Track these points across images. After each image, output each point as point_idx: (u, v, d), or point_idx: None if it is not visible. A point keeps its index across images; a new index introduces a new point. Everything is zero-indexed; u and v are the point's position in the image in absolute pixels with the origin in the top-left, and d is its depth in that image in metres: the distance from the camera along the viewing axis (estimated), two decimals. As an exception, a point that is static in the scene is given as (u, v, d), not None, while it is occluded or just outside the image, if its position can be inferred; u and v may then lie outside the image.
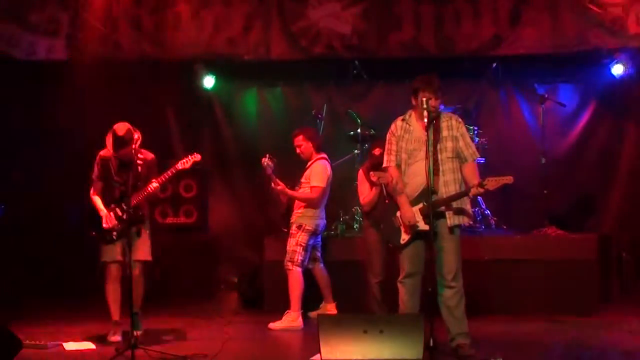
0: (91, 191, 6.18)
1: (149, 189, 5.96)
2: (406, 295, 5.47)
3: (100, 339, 6.10)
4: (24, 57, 8.11)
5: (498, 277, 7.11)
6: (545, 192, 7.86)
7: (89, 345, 5.94)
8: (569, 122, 8.79)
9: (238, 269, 8.61)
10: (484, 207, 7.92)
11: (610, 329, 6.33)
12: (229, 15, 8.17)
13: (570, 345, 5.79)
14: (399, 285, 5.52)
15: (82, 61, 8.20)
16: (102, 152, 6.18)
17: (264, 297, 7.36)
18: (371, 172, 6.27)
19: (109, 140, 6.00)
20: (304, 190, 6.79)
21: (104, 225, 6.06)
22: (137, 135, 5.97)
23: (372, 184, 6.44)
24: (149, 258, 6.15)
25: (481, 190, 5.24)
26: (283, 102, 9.16)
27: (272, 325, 6.60)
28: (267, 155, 6.66)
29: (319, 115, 8.05)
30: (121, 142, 5.91)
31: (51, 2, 8.11)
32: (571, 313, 6.78)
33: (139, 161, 5.90)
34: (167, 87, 8.97)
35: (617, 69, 8.34)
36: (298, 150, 6.88)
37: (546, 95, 8.17)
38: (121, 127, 5.94)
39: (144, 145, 5.96)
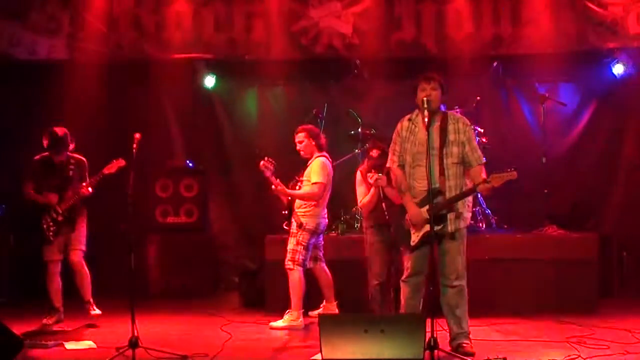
0: (25, 189, 6.71)
1: (81, 192, 6.54)
2: (409, 294, 5.49)
3: (101, 338, 6.12)
4: (25, 56, 8.11)
5: (498, 276, 7.11)
6: (545, 191, 7.86)
7: (89, 345, 5.95)
8: (570, 121, 8.79)
9: (238, 269, 8.61)
10: (484, 206, 7.92)
11: (611, 328, 6.32)
12: (229, 14, 8.17)
13: (571, 345, 5.78)
14: (402, 284, 5.54)
15: (82, 61, 8.20)
16: (36, 157, 6.74)
17: (265, 297, 7.36)
18: (368, 174, 6.29)
19: (45, 140, 6.60)
20: (305, 189, 6.77)
21: (53, 203, 6.59)
22: (70, 139, 6.64)
23: (370, 185, 6.44)
24: (84, 248, 6.76)
25: (488, 186, 5.24)
26: (284, 102, 9.15)
27: (273, 324, 6.60)
28: (266, 158, 6.62)
29: (320, 115, 8.05)
30: (61, 144, 6.59)
31: (52, 2, 8.11)
32: (572, 312, 6.78)
33: (70, 166, 6.62)
34: (167, 86, 8.98)
35: (618, 69, 8.34)
36: (298, 147, 6.83)
37: (547, 95, 8.16)
38: (60, 129, 6.62)
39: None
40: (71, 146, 6.72)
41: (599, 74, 8.60)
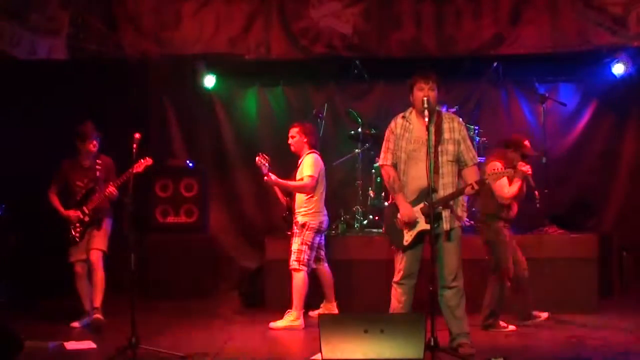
0: (49, 192, 6.80)
1: (107, 192, 6.52)
2: (403, 295, 5.47)
3: (101, 338, 6.13)
4: (25, 56, 8.11)
5: (498, 276, 7.10)
6: (545, 191, 7.85)
7: (89, 345, 5.95)
8: (570, 121, 8.80)
9: (238, 269, 8.61)
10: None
11: (611, 327, 6.33)
12: (229, 14, 8.16)
13: (571, 344, 5.79)
14: (395, 286, 5.50)
15: (82, 61, 8.20)
16: (66, 160, 6.83)
17: (265, 297, 7.36)
18: (520, 162, 6.19)
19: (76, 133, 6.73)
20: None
21: (72, 219, 6.66)
22: (97, 133, 6.71)
23: (515, 175, 6.15)
24: (105, 249, 6.72)
25: (476, 187, 5.26)
26: (284, 102, 9.16)
27: (273, 324, 6.60)
28: (261, 154, 6.67)
29: (320, 115, 8.05)
30: (86, 134, 6.67)
31: (52, 2, 8.11)
32: (572, 312, 6.78)
33: (97, 166, 6.65)
34: (167, 86, 8.98)
35: (618, 69, 8.34)
36: (290, 141, 6.88)
37: (547, 95, 8.19)
38: (86, 124, 6.79)
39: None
40: (98, 138, 6.73)
41: (599, 74, 8.61)
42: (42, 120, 8.58)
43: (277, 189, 6.99)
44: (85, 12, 8.13)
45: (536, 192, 6.38)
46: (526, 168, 6.18)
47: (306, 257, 6.61)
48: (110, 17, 8.17)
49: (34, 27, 8.08)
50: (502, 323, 6.36)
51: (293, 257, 6.63)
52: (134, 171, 6.14)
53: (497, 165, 6.22)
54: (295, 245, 6.66)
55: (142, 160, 6.23)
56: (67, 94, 8.57)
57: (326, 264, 6.93)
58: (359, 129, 8.07)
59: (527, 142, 6.49)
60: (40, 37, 8.09)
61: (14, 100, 8.50)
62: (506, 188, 6.26)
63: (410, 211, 5.34)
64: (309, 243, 6.64)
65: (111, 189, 6.50)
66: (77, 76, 8.46)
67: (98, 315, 6.52)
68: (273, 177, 6.68)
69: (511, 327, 6.34)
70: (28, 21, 8.09)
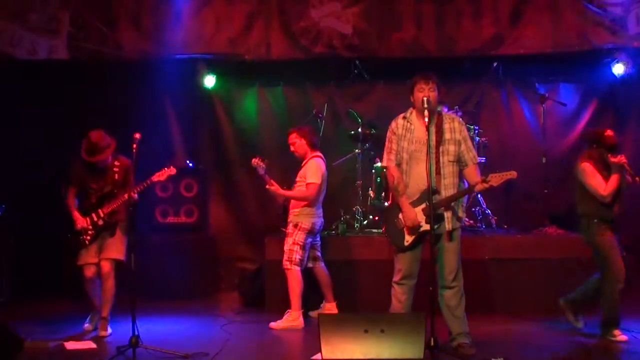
0: (67, 194, 6.50)
1: (125, 197, 6.19)
2: (403, 295, 5.49)
3: (101, 338, 6.14)
4: (25, 56, 8.11)
5: (498, 276, 7.11)
6: (545, 191, 7.87)
7: (89, 345, 5.95)
8: (570, 121, 8.80)
9: (238, 269, 8.61)
10: (484, 206, 7.92)
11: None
12: (230, 14, 8.17)
13: (571, 345, 5.78)
14: (395, 286, 5.53)
15: (82, 61, 8.20)
16: (78, 158, 6.47)
17: (265, 297, 7.36)
18: (609, 154, 5.88)
19: (83, 146, 6.34)
20: (299, 189, 6.80)
21: (77, 227, 6.39)
22: (107, 142, 6.36)
23: (611, 170, 5.89)
24: (121, 257, 6.48)
25: (486, 185, 5.25)
26: (284, 102, 9.15)
27: (273, 324, 6.61)
28: (258, 157, 6.68)
29: (320, 115, 8.06)
30: (94, 149, 6.29)
31: (52, 2, 8.11)
32: (572, 312, 6.78)
33: (115, 168, 6.37)
34: (167, 86, 8.98)
35: (618, 69, 8.34)
36: (292, 149, 6.90)
37: (547, 95, 8.19)
38: (95, 134, 6.32)
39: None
40: (110, 148, 6.36)
41: (599, 74, 8.61)
42: (42, 120, 8.58)
43: None
44: (85, 12, 8.13)
45: (637, 178, 5.91)
46: (618, 159, 5.82)
47: (298, 256, 6.62)
48: (110, 17, 8.17)
49: (34, 27, 8.08)
50: (616, 331, 5.95)
51: (285, 257, 6.67)
52: (155, 180, 6.17)
53: (587, 166, 5.96)
54: (287, 245, 6.70)
55: (165, 168, 6.18)
56: (67, 94, 8.57)
57: (322, 263, 6.93)
58: (359, 129, 8.07)
59: (607, 132, 6.05)
60: (40, 37, 8.09)
61: (13, 100, 8.50)
62: (602, 186, 5.93)
63: (413, 215, 5.35)
64: (300, 243, 6.66)
65: (130, 195, 6.09)
66: (77, 76, 8.46)
67: (105, 333, 6.33)
68: (274, 186, 6.67)
69: (622, 337, 5.93)
70: (28, 21, 8.09)
